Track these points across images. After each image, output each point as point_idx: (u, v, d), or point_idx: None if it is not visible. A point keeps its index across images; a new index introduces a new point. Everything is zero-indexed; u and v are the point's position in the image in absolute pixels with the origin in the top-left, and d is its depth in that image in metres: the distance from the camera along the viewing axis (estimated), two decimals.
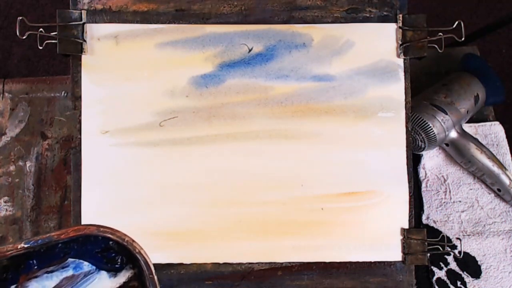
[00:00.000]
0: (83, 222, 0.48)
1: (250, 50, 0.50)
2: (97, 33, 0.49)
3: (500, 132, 0.62)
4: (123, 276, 0.36)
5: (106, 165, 0.49)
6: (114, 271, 0.35)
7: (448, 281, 0.56)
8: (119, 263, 0.35)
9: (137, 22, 0.49)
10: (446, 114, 0.55)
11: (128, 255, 0.35)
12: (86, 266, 0.35)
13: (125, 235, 0.33)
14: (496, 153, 0.59)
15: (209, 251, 0.49)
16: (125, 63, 0.49)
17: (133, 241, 0.33)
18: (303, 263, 0.50)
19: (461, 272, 0.57)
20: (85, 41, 0.48)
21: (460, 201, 0.59)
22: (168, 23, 0.49)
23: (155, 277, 0.34)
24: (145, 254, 0.33)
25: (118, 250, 0.35)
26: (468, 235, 0.58)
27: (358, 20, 0.50)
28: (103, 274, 0.35)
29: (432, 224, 0.58)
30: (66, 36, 0.48)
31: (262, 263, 0.50)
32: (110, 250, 0.35)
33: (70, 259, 0.35)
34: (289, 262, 0.50)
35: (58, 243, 0.34)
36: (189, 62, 0.49)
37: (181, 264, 0.49)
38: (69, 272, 0.35)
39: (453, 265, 0.57)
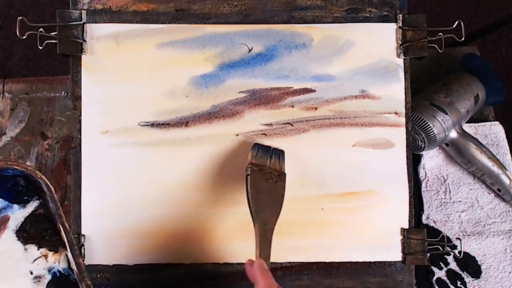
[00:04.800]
0: (83, 222, 0.48)
1: (250, 50, 0.50)
2: (97, 33, 0.49)
3: (500, 132, 0.62)
4: (31, 206, 0.43)
5: (106, 165, 0.49)
6: (23, 203, 0.43)
7: (448, 281, 0.56)
8: (26, 196, 0.43)
9: (137, 22, 0.49)
10: (446, 114, 0.55)
11: (33, 188, 0.43)
12: (1, 202, 0.43)
13: (27, 165, 0.41)
14: (496, 153, 0.59)
15: (209, 251, 0.49)
16: (125, 63, 0.49)
17: (34, 169, 0.41)
18: (303, 263, 0.50)
19: (461, 272, 0.57)
20: (85, 41, 0.48)
21: (460, 201, 0.59)
22: (168, 23, 0.49)
23: (55, 196, 0.41)
24: (45, 178, 0.41)
25: (25, 185, 0.43)
26: (468, 235, 0.58)
27: (358, 20, 0.50)
28: (15, 207, 0.43)
29: (432, 224, 0.58)
30: (66, 36, 0.48)
31: None
32: (18, 185, 0.43)
33: None
34: (289, 262, 0.50)
35: None
36: (189, 62, 0.49)
37: (181, 264, 0.49)
38: None
39: (453, 265, 0.57)
